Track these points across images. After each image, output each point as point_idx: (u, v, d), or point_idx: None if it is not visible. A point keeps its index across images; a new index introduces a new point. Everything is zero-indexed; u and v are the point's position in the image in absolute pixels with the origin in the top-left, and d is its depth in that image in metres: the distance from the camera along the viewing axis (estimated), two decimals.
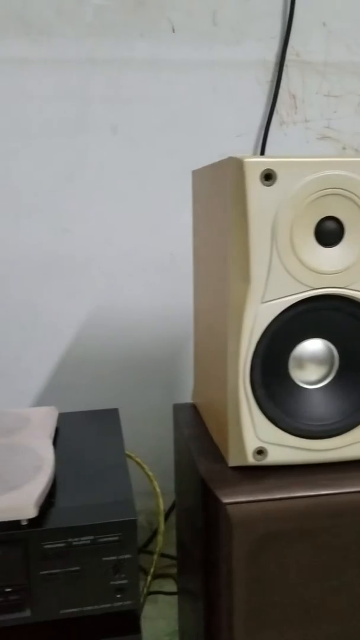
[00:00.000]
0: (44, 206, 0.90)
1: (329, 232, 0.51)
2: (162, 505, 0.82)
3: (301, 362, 0.56)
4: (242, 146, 0.93)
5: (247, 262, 0.51)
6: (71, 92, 0.88)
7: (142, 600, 0.79)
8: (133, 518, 0.52)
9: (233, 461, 0.55)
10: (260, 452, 0.54)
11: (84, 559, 0.51)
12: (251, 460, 0.54)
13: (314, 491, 0.53)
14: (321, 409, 0.55)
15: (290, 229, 0.50)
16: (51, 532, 0.50)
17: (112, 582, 0.52)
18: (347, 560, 0.53)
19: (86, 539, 0.51)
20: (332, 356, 0.56)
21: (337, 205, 0.50)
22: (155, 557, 0.80)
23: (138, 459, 0.87)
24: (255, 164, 0.49)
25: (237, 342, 0.52)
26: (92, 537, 0.51)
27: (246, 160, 0.49)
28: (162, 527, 0.82)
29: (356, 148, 0.96)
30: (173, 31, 0.89)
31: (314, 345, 0.56)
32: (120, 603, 0.53)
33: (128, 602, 0.53)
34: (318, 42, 0.92)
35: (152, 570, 0.79)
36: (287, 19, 0.90)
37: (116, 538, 0.51)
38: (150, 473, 0.86)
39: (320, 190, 0.50)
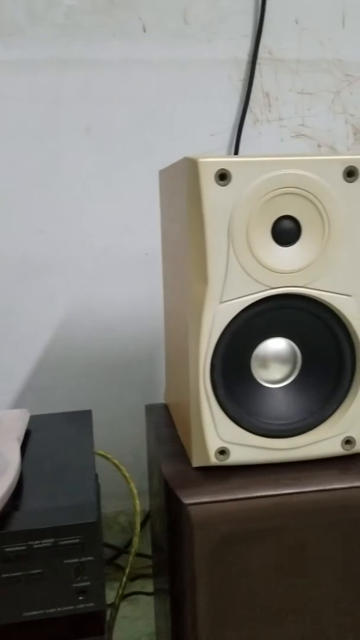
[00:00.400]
0: (18, 207, 0.89)
1: (285, 231, 0.51)
2: (139, 506, 0.82)
3: (264, 362, 0.56)
4: (215, 145, 0.93)
5: (205, 263, 0.51)
6: (43, 93, 0.88)
7: (117, 601, 0.79)
8: (94, 520, 0.51)
9: (196, 462, 0.55)
10: (222, 452, 0.54)
11: (46, 562, 0.51)
12: (214, 460, 0.54)
13: (276, 490, 0.53)
14: (284, 408, 0.55)
15: (247, 228, 0.50)
16: (12, 535, 0.50)
17: (74, 585, 0.52)
18: (310, 560, 0.53)
19: (47, 542, 0.51)
20: (295, 355, 0.56)
21: (293, 204, 0.50)
22: (130, 558, 0.80)
23: (115, 461, 0.87)
24: (209, 164, 0.49)
25: (197, 343, 0.52)
26: (52, 540, 0.51)
27: (200, 160, 0.49)
28: (138, 528, 0.82)
29: (331, 145, 0.96)
30: (144, 31, 0.89)
31: (276, 345, 0.56)
32: (84, 605, 0.53)
33: (91, 605, 0.53)
34: (290, 40, 0.92)
35: (127, 571, 0.79)
36: (259, 17, 0.90)
37: (77, 540, 0.51)
38: (127, 474, 0.85)
39: (275, 190, 0.50)
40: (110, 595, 0.90)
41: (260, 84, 0.93)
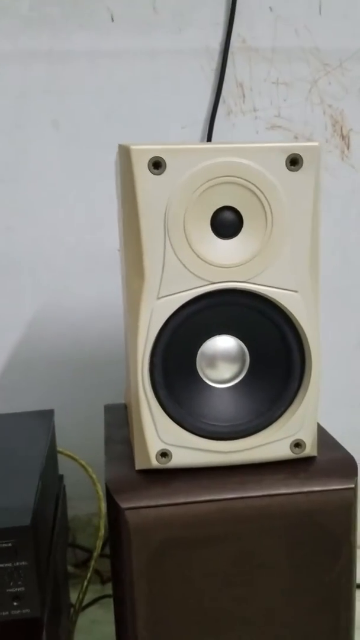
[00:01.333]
0: None
1: (226, 223, 0.49)
2: (105, 508, 0.80)
3: (212, 361, 0.53)
4: (187, 137, 0.90)
5: (141, 256, 0.48)
6: (9, 86, 0.86)
7: (77, 606, 0.77)
8: (27, 524, 0.49)
9: (139, 464, 0.53)
10: (164, 454, 0.52)
11: None
12: (155, 463, 0.52)
13: (220, 495, 0.50)
14: (231, 409, 0.53)
15: (184, 220, 0.48)
16: None
17: (8, 590, 0.50)
18: (254, 569, 0.51)
19: None
20: (243, 354, 0.53)
21: (233, 194, 0.48)
22: (92, 562, 0.78)
23: (82, 461, 0.85)
24: (143, 151, 0.46)
25: (135, 340, 0.50)
26: None
27: (133, 147, 0.46)
28: (102, 530, 0.80)
29: (308, 137, 0.93)
30: (112, 20, 0.87)
31: (225, 343, 0.53)
32: (19, 611, 0.51)
33: (27, 611, 0.51)
34: (265, 28, 0.89)
35: (88, 575, 0.77)
36: (230, 4, 0.87)
37: (10, 544, 0.49)
38: (94, 475, 0.84)
39: (213, 179, 0.47)
40: (86, 598, 0.88)
41: (234, 74, 0.90)
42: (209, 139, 0.90)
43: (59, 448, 0.84)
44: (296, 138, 0.92)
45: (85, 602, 0.87)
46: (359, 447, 1.04)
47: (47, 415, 0.75)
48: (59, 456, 0.86)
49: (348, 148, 0.93)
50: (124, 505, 0.49)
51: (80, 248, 0.90)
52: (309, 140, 0.92)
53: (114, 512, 0.50)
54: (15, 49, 0.85)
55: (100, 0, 0.86)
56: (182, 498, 0.50)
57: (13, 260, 0.90)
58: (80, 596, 0.77)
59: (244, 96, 0.91)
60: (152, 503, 0.50)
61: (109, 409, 0.71)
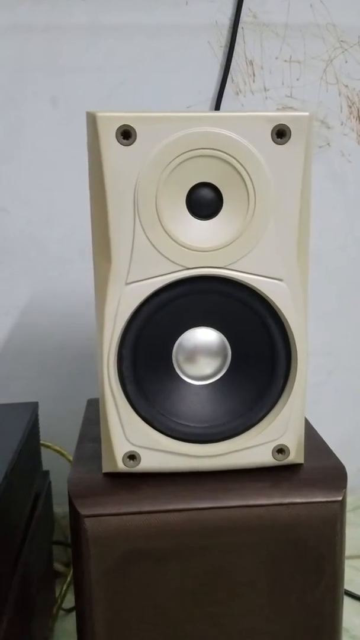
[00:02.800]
0: None
1: (203, 202, 0.43)
2: None
3: (191, 355, 0.48)
4: None
5: (107, 236, 0.43)
6: (5, 62, 0.82)
7: (56, 609, 0.73)
8: None
9: (105, 467, 0.48)
10: (132, 457, 0.47)
11: None
12: (121, 466, 0.47)
13: (190, 504, 0.46)
14: (208, 409, 0.48)
15: (156, 197, 0.43)
16: None
17: None
18: (227, 586, 0.46)
19: None
20: (225, 347, 0.48)
21: (212, 169, 0.43)
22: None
23: (71, 457, 0.81)
24: (110, 119, 0.42)
25: (101, 330, 0.45)
26: None
27: (99, 114, 0.42)
28: None
29: (322, 119, 0.87)
30: None
31: (205, 336, 0.48)
32: None
33: None
34: (277, 2, 0.83)
35: (68, 578, 0.73)
36: None
37: None
38: None
39: (189, 151, 0.42)
40: (72, 599, 0.85)
41: (244, 50, 0.85)
42: None
43: (46, 442, 0.80)
44: None
45: (72, 603, 0.84)
46: None
47: (29, 408, 0.71)
48: (48, 452, 0.82)
49: None
50: (83, 512, 0.45)
51: (76, 232, 0.86)
52: (322, 122, 0.86)
53: (75, 519, 0.46)
54: (12, 22, 0.81)
55: None
56: (148, 506, 0.45)
57: (7, 244, 0.86)
58: (60, 597, 0.73)
59: (254, 75, 0.85)
60: (115, 510, 0.45)
61: (92, 404, 0.66)
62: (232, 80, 0.85)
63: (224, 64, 0.84)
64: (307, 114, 0.43)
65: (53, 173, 0.85)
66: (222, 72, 0.84)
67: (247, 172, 0.43)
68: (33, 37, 0.82)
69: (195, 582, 0.46)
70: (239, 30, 0.84)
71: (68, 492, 0.47)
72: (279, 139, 0.42)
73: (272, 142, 0.42)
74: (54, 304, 0.89)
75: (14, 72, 0.82)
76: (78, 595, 0.47)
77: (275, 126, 0.42)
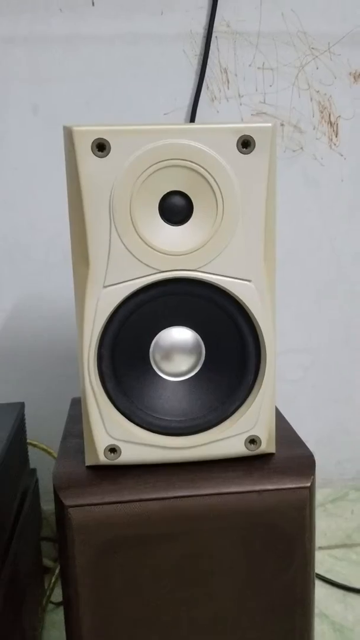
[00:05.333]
0: None
1: (175, 209, 0.46)
2: None
3: (167, 353, 0.51)
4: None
5: (85, 242, 0.46)
6: None
7: (45, 601, 0.75)
8: None
9: (88, 460, 0.51)
10: (112, 450, 0.50)
11: None
12: (103, 459, 0.50)
13: (169, 493, 0.48)
14: (184, 404, 0.51)
15: (130, 204, 0.45)
16: None
17: None
18: (205, 570, 0.49)
19: None
20: (199, 345, 0.51)
21: (182, 178, 0.46)
22: None
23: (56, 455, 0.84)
24: (85, 132, 0.44)
25: (81, 330, 0.48)
26: None
27: (75, 128, 0.44)
28: None
29: (295, 124, 0.90)
30: (93, 4, 0.84)
31: (180, 335, 0.51)
32: None
33: None
34: (250, 11, 0.86)
35: (57, 571, 0.75)
36: None
37: None
38: None
39: (160, 162, 0.45)
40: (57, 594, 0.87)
41: (218, 59, 0.87)
42: None
43: (32, 441, 0.83)
44: (282, 125, 0.90)
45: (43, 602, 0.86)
46: (344, 441, 1.02)
47: (15, 408, 0.74)
48: (35, 450, 0.84)
49: (336, 135, 0.90)
50: (68, 502, 0.48)
51: (59, 238, 0.88)
52: (295, 127, 0.89)
53: (59, 509, 0.49)
54: None
55: None
56: (129, 496, 0.48)
57: None
58: (49, 589, 0.75)
59: (228, 82, 0.88)
60: (98, 500, 0.48)
61: (76, 402, 0.69)
62: (208, 87, 0.88)
63: (199, 71, 0.87)
64: (270, 124, 0.45)
65: (36, 179, 0.87)
66: (198, 80, 0.87)
67: (214, 180, 0.45)
68: (14, 48, 0.84)
69: (174, 566, 0.49)
70: (213, 39, 0.86)
71: (53, 485, 0.50)
72: (244, 149, 0.45)
73: (237, 152, 0.45)
74: (39, 306, 0.91)
75: None
76: (65, 582, 0.50)
77: (241, 137, 0.45)
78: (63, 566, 0.50)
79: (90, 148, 0.44)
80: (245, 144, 0.45)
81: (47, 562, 0.89)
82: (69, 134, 0.45)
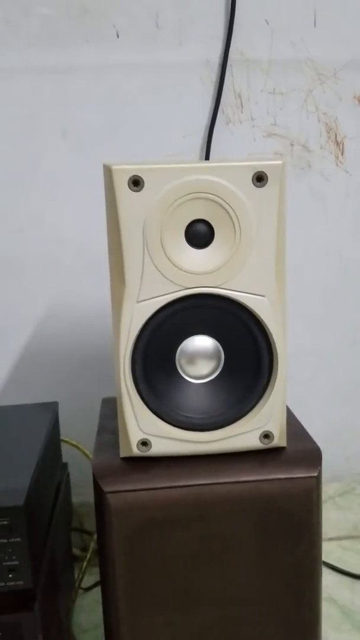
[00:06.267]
0: None
1: (198, 234, 0.54)
2: None
3: (191, 358, 0.58)
4: (188, 146, 0.95)
5: (122, 264, 0.54)
6: (21, 99, 0.92)
7: (77, 584, 0.83)
8: (20, 504, 0.55)
9: (122, 452, 0.58)
10: (144, 443, 0.57)
11: None
12: (136, 451, 0.57)
13: (193, 481, 0.56)
14: (207, 403, 0.58)
15: (160, 232, 0.53)
16: None
17: (4, 563, 0.56)
18: (224, 549, 0.56)
19: None
20: (219, 351, 0.58)
21: (205, 208, 0.53)
22: (92, 542, 0.84)
23: (86, 450, 0.91)
24: (123, 170, 0.52)
25: (118, 339, 0.55)
26: None
27: (114, 167, 0.52)
28: None
29: (303, 144, 0.97)
30: (117, 36, 0.92)
31: (202, 342, 0.58)
32: (14, 583, 0.57)
33: (20, 582, 0.57)
34: (261, 41, 0.93)
35: (88, 556, 0.82)
36: (229, 19, 0.92)
37: (5, 522, 0.55)
38: None
39: (186, 195, 0.52)
40: (89, 580, 0.95)
41: (232, 85, 0.94)
42: (208, 147, 0.94)
43: (64, 438, 0.90)
44: (292, 145, 0.96)
45: (89, 584, 0.94)
46: (352, 439, 1.09)
47: (51, 407, 0.81)
48: (65, 446, 0.92)
49: (342, 154, 0.97)
50: (106, 489, 0.55)
51: (85, 250, 0.96)
52: (304, 146, 0.96)
53: (98, 495, 0.56)
54: (26, 64, 0.91)
55: (106, 18, 0.91)
56: (159, 483, 0.55)
57: (24, 261, 0.96)
58: (81, 573, 0.82)
59: (242, 106, 0.95)
60: (132, 487, 0.55)
61: (106, 402, 0.76)
62: (223, 111, 0.95)
63: (215, 97, 0.94)
64: (280, 162, 0.53)
65: (64, 197, 0.95)
66: (214, 105, 0.94)
67: (233, 210, 0.53)
68: (45, 76, 0.92)
69: (196, 545, 0.56)
70: (228, 66, 0.93)
71: (92, 474, 0.57)
72: (258, 183, 0.52)
73: (252, 185, 0.52)
74: (66, 314, 0.98)
75: (28, 109, 0.92)
76: (102, 560, 0.57)
77: (255, 173, 0.52)
78: (101, 545, 0.57)
79: (126, 184, 0.52)
80: (259, 178, 0.52)
81: (75, 551, 0.97)
82: (108, 172, 0.52)
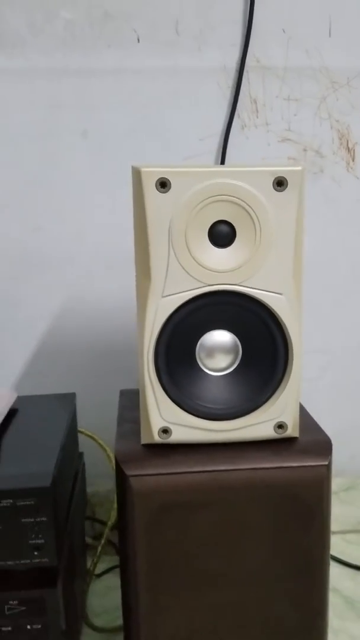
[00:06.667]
0: (17, 205, 0.97)
1: (221, 234, 0.57)
2: None
3: (210, 351, 0.61)
4: (205, 149, 0.98)
5: (148, 261, 0.57)
6: (43, 99, 0.95)
7: (92, 567, 0.86)
8: (47, 485, 0.59)
9: (143, 439, 0.61)
10: (165, 431, 0.60)
11: (5, 520, 0.59)
12: (157, 438, 0.60)
13: (211, 467, 0.59)
14: (225, 394, 0.61)
15: (185, 231, 0.56)
16: None
17: (30, 541, 0.59)
18: (240, 532, 0.59)
19: (6, 502, 0.58)
20: (237, 346, 0.61)
21: (227, 210, 0.56)
22: (106, 530, 0.87)
23: (100, 441, 0.95)
24: (151, 173, 0.55)
25: (142, 332, 0.58)
26: (11, 501, 0.58)
27: (143, 169, 0.55)
28: (115, 502, 0.89)
29: (316, 150, 1.00)
30: (138, 41, 0.95)
31: (221, 337, 0.61)
32: (39, 560, 0.60)
33: (46, 560, 0.60)
34: (278, 48, 0.97)
35: (102, 541, 0.86)
36: (246, 27, 0.95)
37: (32, 502, 0.58)
38: (111, 455, 0.93)
39: (210, 197, 0.55)
40: (100, 567, 0.98)
41: (248, 90, 0.98)
42: (224, 151, 0.98)
43: (80, 429, 0.94)
44: (305, 150, 1.00)
45: (101, 570, 0.97)
46: (356, 438, 1.12)
47: (69, 398, 0.85)
48: (81, 437, 0.95)
49: (353, 160, 1.00)
50: (129, 472, 0.58)
51: (102, 248, 0.99)
52: (317, 152, 0.99)
53: (121, 479, 0.59)
54: (49, 66, 0.94)
55: (127, 23, 0.94)
56: (178, 468, 0.59)
57: (43, 258, 0.99)
58: (95, 560, 0.86)
59: (257, 111, 0.98)
60: (153, 472, 0.58)
61: (124, 394, 0.80)
62: (239, 116, 0.98)
63: (231, 101, 0.97)
64: (300, 168, 0.56)
65: (83, 196, 0.98)
66: (230, 109, 0.97)
67: (254, 212, 0.56)
68: (67, 79, 0.95)
69: (213, 528, 0.59)
70: (244, 72, 0.97)
71: (115, 459, 0.60)
72: (279, 187, 0.56)
73: (273, 190, 0.56)
74: (83, 309, 1.01)
75: (50, 109, 0.95)
76: (123, 541, 0.60)
77: (276, 178, 0.55)
78: (122, 528, 0.61)
79: (154, 185, 0.55)
80: (280, 183, 0.56)
81: (87, 539, 1.00)
82: (137, 174, 0.55)
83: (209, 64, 0.96)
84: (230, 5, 0.95)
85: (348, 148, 1.00)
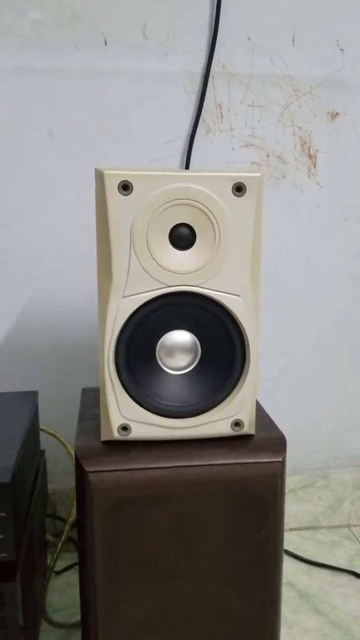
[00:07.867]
0: None
1: (181, 237, 0.58)
2: None
3: (170, 351, 0.63)
4: (170, 152, 1.00)
5: (110, 262, 0.58)
6: (10, 98, 0.95)
7: (52, 565, 0.87)
8: (6, 481, 0.59)
9: (103, 436, 0.63)
10: (124, 428, 0.62)
11: None
12: (116, 435, 0.62)
13: (168, 463, 0.60)
14: (184, 392, 0.63)
15: (146, 233, 0.57)
16: None
17: None
18: (196, 526, 0.61)
19: None
20: (196, 345, 0.63)
21: (188, 213, 0.58)
22: (67, 527, 0.88)
23: (62, 439, 0.95)
24: (114, 175, 0.56)
25: (103, 331, 0.60)
26: None
27: (106, 172, 0.56)
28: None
29: (279, 155, 1.02)
30: (106, 44, 0.96)
31: (181, 336, 0.63)
32: None
33: (4, 555, 0.61)
34: (243, 56, 0.99)
35: (62, 538, 0.87)
36: (212, 33, 0.97)
37: None
38: (72, 452, 0.93)
39: (171, 201, 0.57)
40: (60, 564, 0.99)
41: (213, 96, 1.00)
42: (189, 154, 0.99)
43: (42, 427, 0.94)
44: (268, 156, 1.02)
45: (61, 567, 0.98)
46: (313, 435, 1.15)
47: (31, 396, 0.85)
48: (43, 434, 0.96)
49: (314, 166, 1.03)
50: (88, 468, 0.59)
51: (67, 246, 1.00)
52: (279, 158, 1.02)
53: (80, 475, 0.60)
54: (17, 65, 0.95)
55: (95, 26, 0.95)
56: (137, 464, 0.60)
57: (7, 256, 0.99)
58: (55, 556, 0.86)
59: (222, 116, 1.00)
60: (112, 468, 0.60)
61: (86, 392, 0.81)
62: (204, 120, 1.00)
63: (197, 106, 0.99)
64: (258, 174, 0.58)
65: (49, 195, 0.99)
66: (195, 114, 0.99)
67: (214, 216, 0.58)
68: (34, 79, 0.95)
69: (171, 523, 0.61)
70: (210, 78, 0.99)
71: (75, 454, 0.61)
72: (238, 193, 0.58)
73: (232, 194, 0.58)
74: (48, 307, 1.02)
75: (17, 108, 0.96)
76: (82, 535, 0.61)
77: (235, 183, 0.57)
78: (81, 523, 0.62)
79: (117, 187, 0.56)
80: (239, 189, 0.57)
81: (48, 536, 1.01)
82: (100, 176, 0.57)
83: (175, 68, 0.98)
84: (196, 12, 0.96)
85: (310, 155, 1.02)
